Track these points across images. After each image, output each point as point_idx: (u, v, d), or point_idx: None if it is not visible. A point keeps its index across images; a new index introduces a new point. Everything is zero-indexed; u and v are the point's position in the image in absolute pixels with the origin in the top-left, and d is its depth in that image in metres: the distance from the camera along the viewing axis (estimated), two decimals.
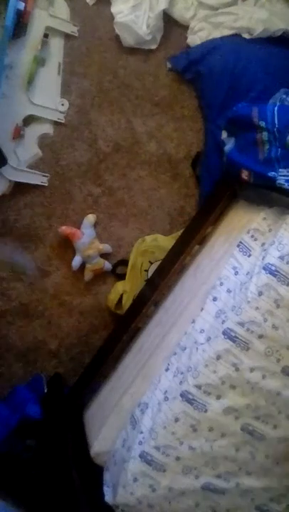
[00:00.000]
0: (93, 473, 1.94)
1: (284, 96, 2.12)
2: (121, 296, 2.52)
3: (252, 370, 1.72)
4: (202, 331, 1.81)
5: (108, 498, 1.84)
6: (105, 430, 1.98)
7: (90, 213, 2.49)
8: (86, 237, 2.44)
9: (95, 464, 1.97)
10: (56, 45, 2.37)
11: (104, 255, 2.53)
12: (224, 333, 1.71)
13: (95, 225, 2.51)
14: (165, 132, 2.56)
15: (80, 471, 1.97)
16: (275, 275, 1.67)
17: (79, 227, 2.46)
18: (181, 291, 2.14)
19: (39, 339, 2.54)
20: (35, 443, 2.15)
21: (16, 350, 2.52)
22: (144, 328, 2.19)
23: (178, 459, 1.77)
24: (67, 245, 2.49)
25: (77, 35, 2.40)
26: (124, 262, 2.56)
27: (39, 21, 2.26)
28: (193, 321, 1.87)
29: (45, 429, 2.19)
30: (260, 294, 1.68)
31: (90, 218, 2.47)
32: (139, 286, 2.41)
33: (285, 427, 1.79)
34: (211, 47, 2.38)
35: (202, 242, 2.17)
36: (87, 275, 2.50)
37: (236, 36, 2.38)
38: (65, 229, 2.43)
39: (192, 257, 2.17)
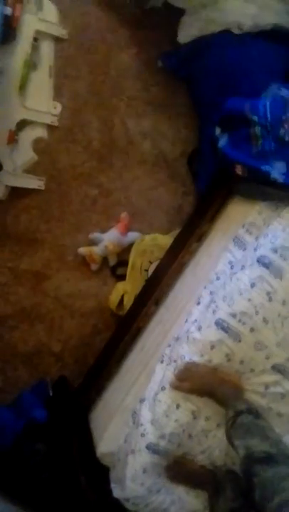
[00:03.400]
0: (100, 474, 1.95)
1: (276, 90, 2.11)
2: (122, 296, 2.51)
3: (241, 362, 1.74)
4: (195, 321, 1.83)
5: (116, 493, 1.85)
6: (110, 430, 1.98)
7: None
8: (99, 248, 2.49)
9: (102, 464, 1.97)
10: (46, 48, 2.37)
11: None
12: (217, 323, 1.72)
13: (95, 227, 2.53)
14: (160, 131, 2.56)
15: (86, 473, 1.97)
16: (267, 267, 1.68)
17: (77, 230, 2.47)
18: (181, 289, 2.14)
19: (42, 343, 2.54)
20: (44, 446, 2.16)
21: (20, 354, 2.52)
22: (146, 327, 2.19)
23: (179, 446, 1.79)
24: (66, 248, 2.50)
25: (67, 37, 2.40)
26: (124, 263, 2.56)
27: (28, 26, 2.26)
28: (189, 314, 1.89)
29: (52, 432, 2.19)
30: (252, 285, 1.69)
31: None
32: (139, 286, 2.41)
33: None
34: (202, 44, 2.37)
35: (200, 239, 2.16)
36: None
37: (226, 32, 2.37)
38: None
39: (191, 254, 2.17)
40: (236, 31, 2.35)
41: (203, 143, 2.49)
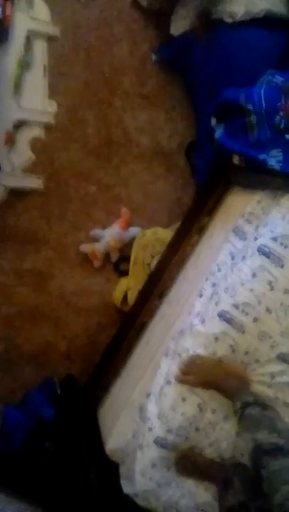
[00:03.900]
0: (110, 470, 1.95)
1: (270, 77, 2.09)
2: (126, 292, 2.51)
3: (246, 353, 1.74)
4: (198, 313, 1.82)
5: (126, 489, 1.86)
6: (118, 426, 1.99)
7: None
8: (101, 244, 2.50)
9: (111, 461, 1.97)
10: (39, 47, 2.37)
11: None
12: (220, 315, 1.72)
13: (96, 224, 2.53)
14: (156, 124, 2.55)
15: (96, 470, 1.98)
16: (268, 256, 1.67)
17: (78, 227, 2.49)
18: (183, 282, 2.13)
19: (48, 342, 2.54)
20: (53, 445, 2.17)
21: (26, 354, 2.53)
22: (150, 322, 2.18)
23: (187, 439, 1.79)
24: (68, 246, 2.51)
25: (59, 35, 2.39)
26: (126, 258, 2.55)
27: (20, 25, 2.25)
28: (192, 306, 1.89)
29: (60, 431, 2.20)
30: (253, 275, 1.68)
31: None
32: (142, 280, 2.40)
33: None
34: (194, 35, 2.35)
35: (201, 231, 2.15)
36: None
37: (219, 22, 2.35)
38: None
39: (192, 247, 2.16)
40: (229, 20, 2.33)
41: (200, 134, 2.48)
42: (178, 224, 2.36)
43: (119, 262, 2.57)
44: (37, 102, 2.39)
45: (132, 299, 2.46)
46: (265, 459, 1.41)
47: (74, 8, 2.42)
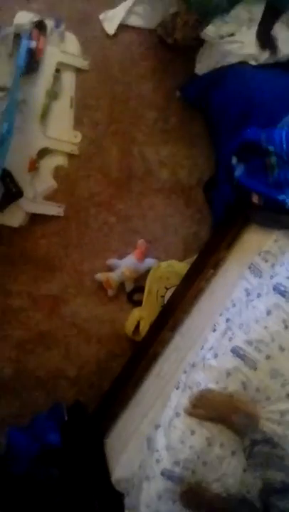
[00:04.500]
0: (114, 500, 1.95)
1: None
2: (138, 322, 2.53)
3: (257, 389, 1.75)
4: (211, 348, 1.84)
5: None
6: (125, 456, 1.99)
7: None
8: (116, 274, 2.52)
9: (116, 491, 1.97)
10: (68, 79, 2.45)
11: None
12: (233, 350, 1.74)
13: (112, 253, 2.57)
14: (177, 160, 2.60)
15: (101, 499, 1.97)
16: (284, 295, 1.69)
17: (95, 256, 2.52)
18: (197, 315, 2.15)
19: (58, 367, 2.56)
20: (58, 471, 2.16)
21: (36, 378, 2.54)
22: (162, 353, 2.20)
23: (194, 472, 1.77)
24: (84, 273, 2.54)
25: (88, 68, 2.47)
26: (140, 289, 2.58)
27: (51, 57, 2.34)
28: (205, 341, 1.91)
29: (66, 457, 2.20)
30: (268, 313, 1.70)
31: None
32: (155, 312, 2.43)
33: None
34: (219, 75, 2.41)
35: (216, 266, 2.18)
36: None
37: (243, 63, 2.41)
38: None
39: (207, 281, 2.19)
40: (253, 62, 2.40)
41: (219, 172, 2.52)
42: (193, 258, 2.39)
43: (133, 292, 2.59)
44: (62, 132, 2.45)
45: (144, 329, 2.48)
46: (274, 498, 1.42)
47: (103, 43, 2.51)
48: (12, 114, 2.00)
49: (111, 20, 2.52)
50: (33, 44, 2.17)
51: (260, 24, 2.29)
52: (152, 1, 2.54)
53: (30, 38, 2.15)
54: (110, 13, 2.52)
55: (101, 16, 2.51)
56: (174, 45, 2.53)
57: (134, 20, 2.57)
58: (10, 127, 1.97)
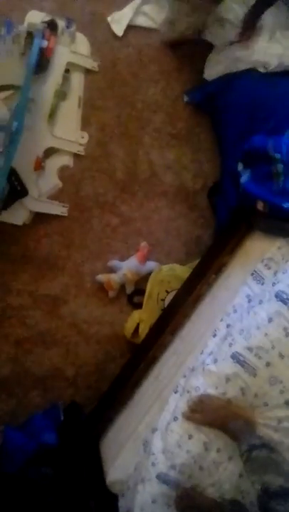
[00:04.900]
0: (109, 502, 1.94)
1: None
2: (138, 325, 2.53)
3: (256, 396, 1.75)
4: (210, 353, 1.84)
5: None
6: (121, 458, 1.98)
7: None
8: (118, 275, 2.52)
9: (111, 492, 1.96)
10: (77, 79, 2.45)
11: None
12: (233, 356, 1.74)
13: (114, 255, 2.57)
14: (182, 164, 2.61)
15: (96, 500, 1.97)
16: (285, 303, 1.70)
17: (96, 257, 2.52)
18: (197, 320, 2.15)
19: (56, 367, 2.55)
20: (52, 471, 2.16)
21: (33, 377, 2.53)
22: (161, 357, 2.20)
23: (190, 477, 1.78)
24: (85, 274, 2.54)
25: (97, 70, 2.48)
26: (141, 292, 2.58)
27: (61, 57, 2.35)
28: (205, 345, 1.91)
29: (61, 457, 2.19)
30: (269, 320, 1.71)
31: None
32: (155, 315, 2.43)
33: None
34: (227, 81, 2.43)
35: (218, 271, 2.18)
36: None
37: (252, 70, 2.42)
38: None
39: (208, 286, 2.19)
40: (262, 70, 2.41)
41: (224, 177, 2.53)
42: (195, 262, 2.39)
43: (133, 294, 2.60)
44: (69, 132, 2.45)
45: (143, 331, 2.48)
46: (274, 502, 1.42)
47: (113, 45, 2.51)
48: (23, 113, 2.00)
49: (119, 21, 2.53)
50: (44, 43, 2.17)
51: (251, 8, 2.28)
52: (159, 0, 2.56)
53: (43, 37, 2.15)
54: (118, 14, 2.53)
55: (109, 18, 2.52)
56: (178, 41, 2.56)
57: (143, 21, 2.58)
58: (20, 126, 1.96)
